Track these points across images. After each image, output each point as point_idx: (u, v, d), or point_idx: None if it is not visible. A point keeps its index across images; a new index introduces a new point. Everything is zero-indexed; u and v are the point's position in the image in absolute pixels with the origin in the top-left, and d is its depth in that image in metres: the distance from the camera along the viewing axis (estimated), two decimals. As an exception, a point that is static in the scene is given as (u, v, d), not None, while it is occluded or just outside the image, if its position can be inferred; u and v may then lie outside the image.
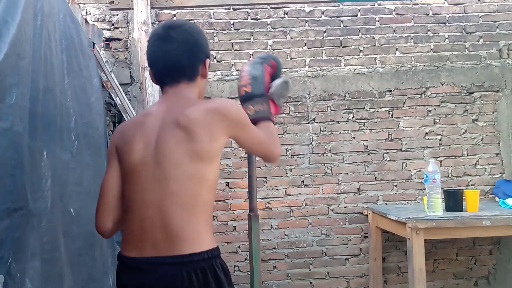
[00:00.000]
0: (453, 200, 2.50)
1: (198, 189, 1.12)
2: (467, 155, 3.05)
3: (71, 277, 1.64)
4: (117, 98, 2.68)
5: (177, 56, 1.22)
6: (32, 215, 1.32)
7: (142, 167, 1.15)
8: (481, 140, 3.06)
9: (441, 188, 2.42)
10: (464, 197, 2.51)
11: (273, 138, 1.29)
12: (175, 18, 2.99)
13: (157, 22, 2.95)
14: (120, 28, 2.92)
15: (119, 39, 2.92)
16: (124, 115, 2.71)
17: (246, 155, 2.87)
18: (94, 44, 2.50)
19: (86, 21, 2.63)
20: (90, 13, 2.88)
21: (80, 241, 1.81)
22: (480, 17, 3.11)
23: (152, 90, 2.52)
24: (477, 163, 3.05)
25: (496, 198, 2.91)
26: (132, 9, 2.69)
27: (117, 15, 2.91)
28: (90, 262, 1.91)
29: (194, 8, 2.95)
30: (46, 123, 1.50)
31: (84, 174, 1.85)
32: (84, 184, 1.83)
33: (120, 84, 2.67)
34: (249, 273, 2.86)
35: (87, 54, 2.21)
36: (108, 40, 2.88)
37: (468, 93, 3.07)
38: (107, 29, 2.90)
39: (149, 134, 1.17)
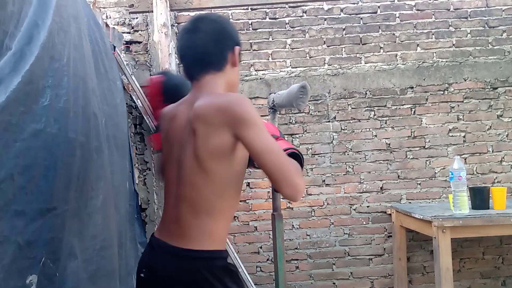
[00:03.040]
0: (480, 197, 2.45)
1: (202, 192, 1.13)
2: (492, 151, 2.98)
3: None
4: (138, 100, 2.70)
5: (204, 45, 1.18)
6: (72, 216, 1.33)
7: (170, 163, 1.24)
8: (507, 136, 2.99)
9: (467, 186, 2.37)
10: (490, 195, 2.46)
11: (297, 168, 1.13)
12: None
13: (176, 24, 2.97)
14: (140, 31, 2.94)
15: (139, 42, 2.93)
16: (145, 117, 2.73)
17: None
18: (114, 47, 2.53)
19: (107, 25, 2.66)
20: (110, 17, 2.91)
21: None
22: (503, 10, 3.05)
23: (173, 91, 2.53)
24: (503, 159, 2.99)
25: (524, 195, 2.85)
26: (152, 12, 2.71)
27: (137, 18, 2.93)
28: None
29: (213, 9, 2.95)
30: (92, 124, 1.53)
31: (114, 174, 1.86)
32: (115, 185, 1.85)
33: (141, 87, 2.69)
34: (271, 273, 2.86)
35: (110, 57, 2.23)
36: (128, 43, 2.90)
37: (492, 89, 3.01)
38: (127, 32, 2.92)
39: (178, 131, 1.22)
